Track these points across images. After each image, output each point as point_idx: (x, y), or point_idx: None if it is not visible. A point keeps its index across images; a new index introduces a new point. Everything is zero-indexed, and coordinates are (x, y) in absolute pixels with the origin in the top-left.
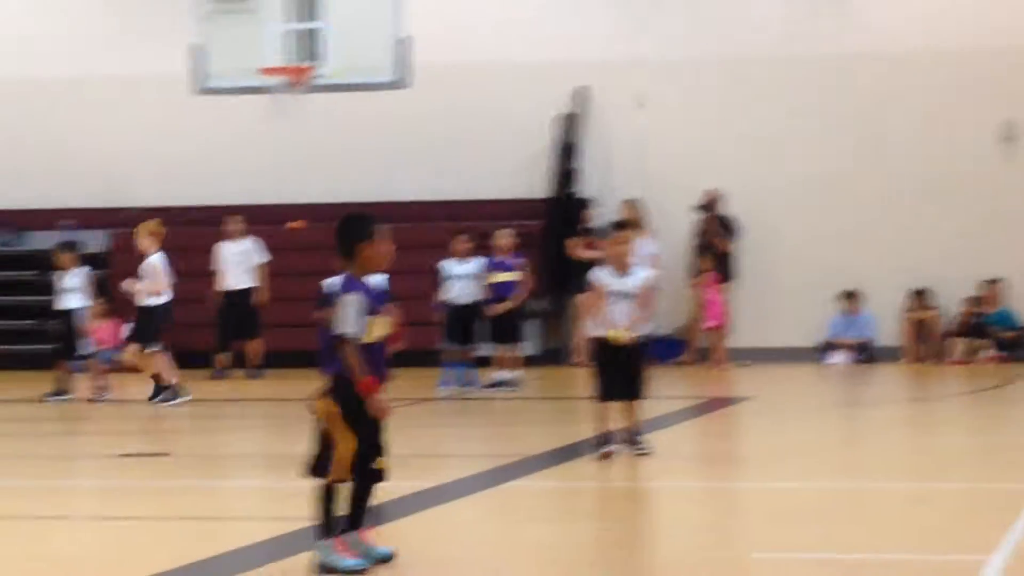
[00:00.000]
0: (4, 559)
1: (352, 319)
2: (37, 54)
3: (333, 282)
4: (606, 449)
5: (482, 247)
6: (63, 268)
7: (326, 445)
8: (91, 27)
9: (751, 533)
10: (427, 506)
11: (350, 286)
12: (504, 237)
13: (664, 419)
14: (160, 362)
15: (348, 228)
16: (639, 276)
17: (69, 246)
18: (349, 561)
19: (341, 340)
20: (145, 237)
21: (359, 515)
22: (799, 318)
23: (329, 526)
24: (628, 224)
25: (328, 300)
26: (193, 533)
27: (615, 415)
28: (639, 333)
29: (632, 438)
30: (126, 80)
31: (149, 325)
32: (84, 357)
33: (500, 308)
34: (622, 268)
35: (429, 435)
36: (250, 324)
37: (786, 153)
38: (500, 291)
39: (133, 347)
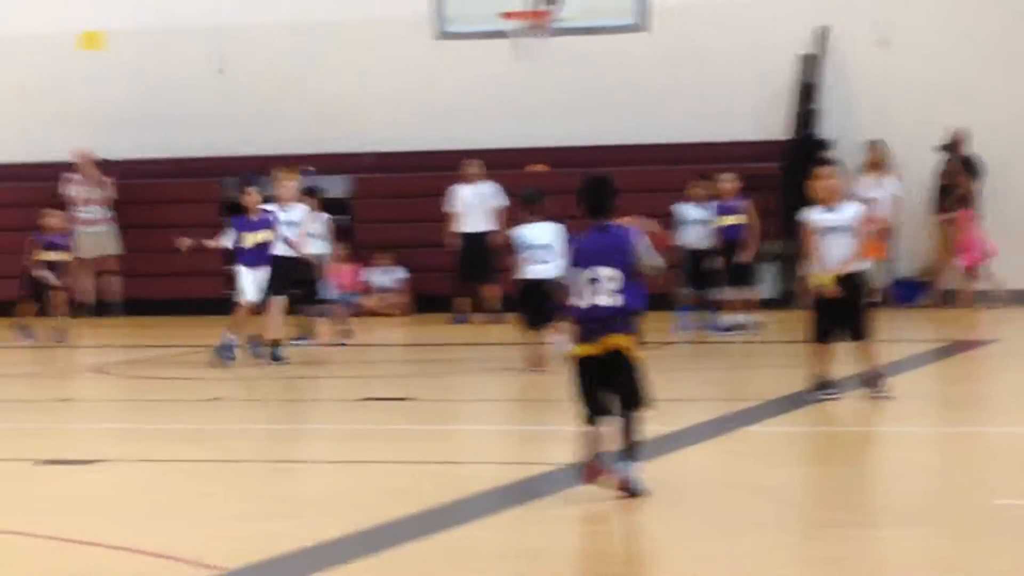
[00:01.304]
0: (245, 501)
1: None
2: (283, 0)
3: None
4: (823, 394)
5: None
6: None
7: (638, 376)
8: None
9: (994, 479)
10: (663, 452)
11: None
12: (727, 181)
13: (907, 362)
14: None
15: (610, 186)
16: (850, 210)
17: (311, 191)
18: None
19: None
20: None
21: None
22: None
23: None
24: (833, 161)
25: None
26: (434, 477)
27: (834, 358)
28: (855, 270)
29: (871, 380)
30: (368, 24)
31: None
32: (327, 302)
33: (746, 255)
34: (830, 203)
35: (664, 380)
36: (487, 268)
37: None
38: (728, 234)
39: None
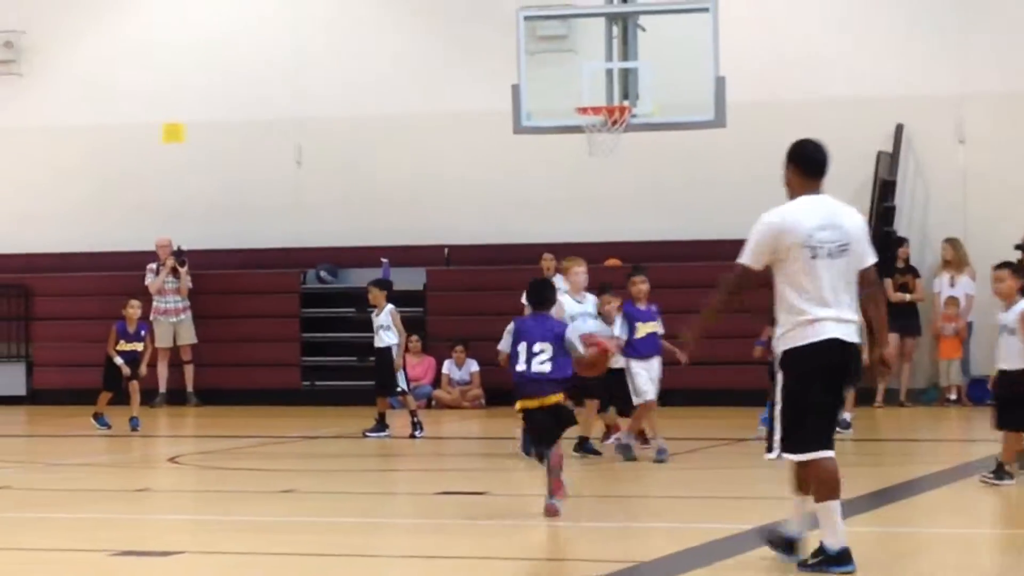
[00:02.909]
0: None
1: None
2: (361, 93)
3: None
4: (1005, 480)
5: None
6: (378, 305)
7: (564, 421)
8: (411, 66)
9: None
10: (740, 551)
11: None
12: None
13: (986, 462)
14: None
15: (551, 288)
16: (1018, 308)
17: (379, 283)
18: None
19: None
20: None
21: None
22: None
23: None
24: (1011, 265)
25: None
26: (511, 574)
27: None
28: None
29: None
30: (445, 117)
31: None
32: (401, 393)
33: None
34: (1006, 302)
35: (744, 476)
36: None
37: None
38: None
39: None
